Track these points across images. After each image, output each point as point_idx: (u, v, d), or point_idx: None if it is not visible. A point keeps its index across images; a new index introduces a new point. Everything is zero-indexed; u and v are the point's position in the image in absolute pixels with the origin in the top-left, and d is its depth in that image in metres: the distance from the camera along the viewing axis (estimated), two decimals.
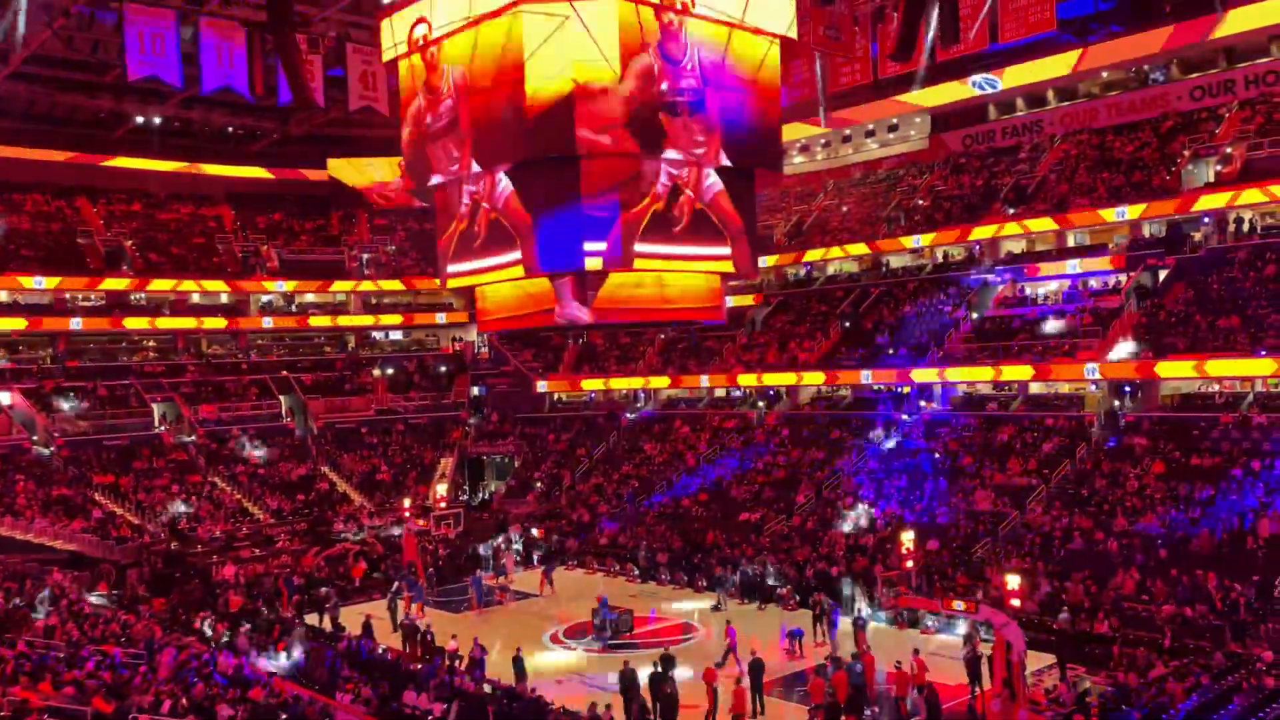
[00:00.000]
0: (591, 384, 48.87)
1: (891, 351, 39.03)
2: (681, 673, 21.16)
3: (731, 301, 45.75)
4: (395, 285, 52.45)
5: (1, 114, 42.07)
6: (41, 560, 31.86)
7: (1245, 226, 34.34)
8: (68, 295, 45.42)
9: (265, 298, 50.25)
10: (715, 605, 29.47)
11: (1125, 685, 18.65)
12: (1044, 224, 38.71)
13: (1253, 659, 19.64)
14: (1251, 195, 33.42)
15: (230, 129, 47.29)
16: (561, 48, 14.06)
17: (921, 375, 37.43)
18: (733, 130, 15.63)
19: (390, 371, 50.92)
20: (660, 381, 46.50)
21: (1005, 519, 29.95)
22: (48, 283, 44.01)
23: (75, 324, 44.69)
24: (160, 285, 46.90)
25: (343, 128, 46.19)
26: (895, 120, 48.07)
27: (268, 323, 49.64)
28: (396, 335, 54.13)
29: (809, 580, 29.11)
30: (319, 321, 51.52)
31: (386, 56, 17.96)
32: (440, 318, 52.82)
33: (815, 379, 41.50)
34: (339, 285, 51.51)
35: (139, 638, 22.64)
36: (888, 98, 42.16)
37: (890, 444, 36.68)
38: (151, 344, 47.81)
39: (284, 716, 17.51)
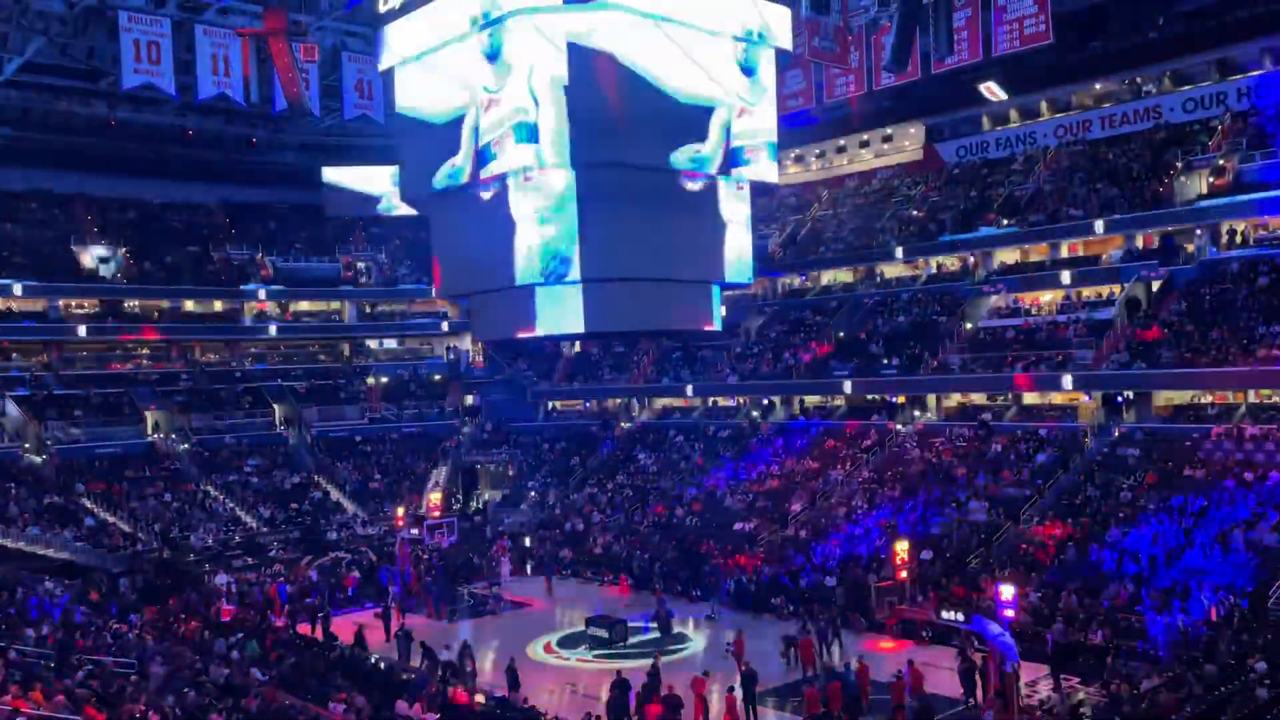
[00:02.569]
0: (586, 393, 48.80)
1: (885, 361, 39.08)
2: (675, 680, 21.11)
3: (725, 311, 45.72)
4: (390, 294, 52.43)
5: None
6: (33, 569, 31.71)
7: (1238, 239, 34.47)
8: (61, 304, 45.30)
9: (259, 307, 50.11)
10: (709, 614, 29.44)
11: (1118, 696, 18.64)
12: (1036, 235, 38.85)
13: (1246, 670, 19.63)
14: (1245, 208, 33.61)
15: (225, 137, 47.24)
16: None
17: (913, 387, 37.55)
18: None
19: (384, 380, 50.88)
20: (654, 391, 46.48)
21: (999, 529, 29.96)
22: (41, 291, 43.95)
23: (68, 332, 44.59)
24: (154, 294, 46.79)
25: (338, 136, 46.21)
26: (889, 130, 48.21)
27: (262, 331, 49.61)
28: (391, 344, 54.08)
29: (803, 590, 29.13)
30: (313, 330, 51.44)
31: (383, 66, 18.02)
32: (435, 327, 52.83)
33: (809, 389, 41.57)
34: (333, 294, 51.47)
35: (130, 647, 22.53)
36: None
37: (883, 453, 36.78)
38: (145, 352, 47.71)
39: None
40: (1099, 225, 36.74)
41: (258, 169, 51.40)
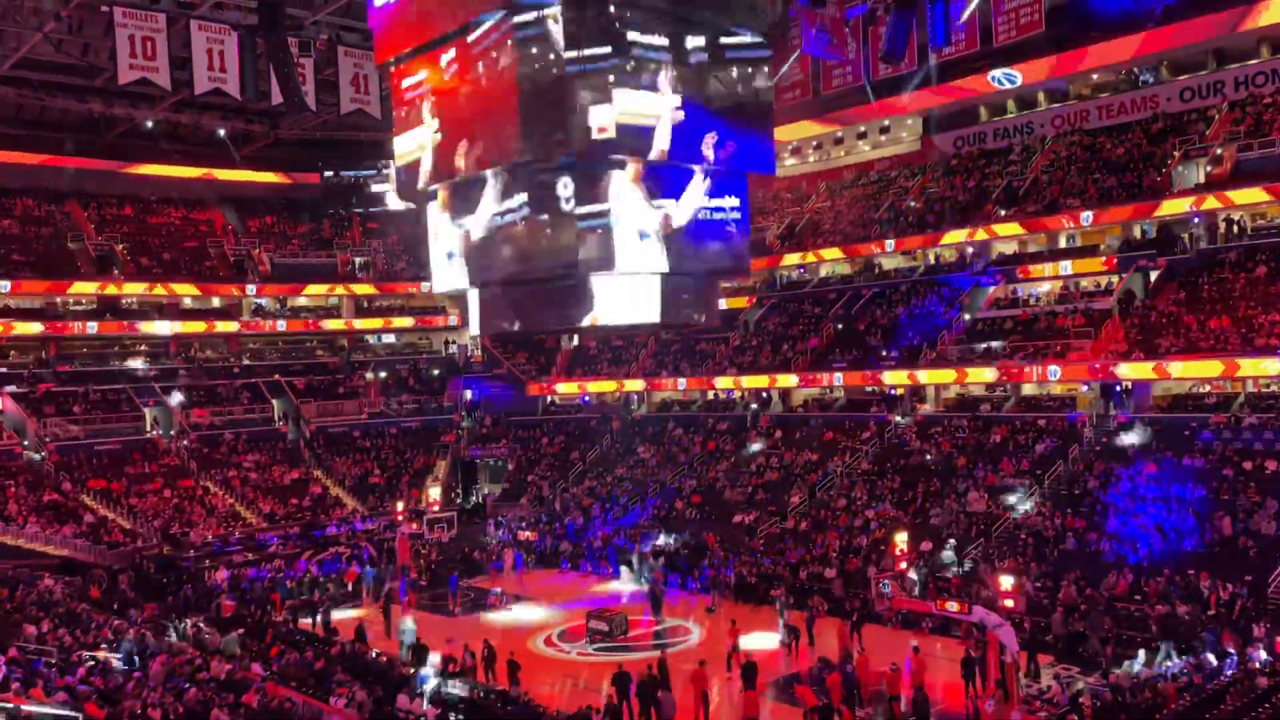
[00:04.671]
0: (585, 386, 48.83)
1: (884, 353, 39.07)
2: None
3: (724, 304, 45.82)
4: (388, 289, 52.44)
5: None
6: (32, 566, 31.70)
7: (1235, 228, 34.45)
8: (59, 299, 45.26)
9: (257, 301, 50.14)
10: (710, 607, 29.47)
11: (1118, 686, 18.68)
12: (1035, 225, 38.81)
13: (1245, 659, 19.68)
14: (1241, 196, 33.55)
15: (221, 132, 47.14)
16: None
17: (908, 378, 37.56)
18: None
19: (383, 375, 50.87)
20: (653, 384, 46.49)
21: (998, 520, 30.00)
22: (39, 287, 43.90)
23: (66, 328, 44.51)
24: (152, 289, 46.81)
25: (334, 131, 46.10)
26: (886, 122, 48.14)
27: (259, 327, 49.56)
28: (389, 338, 54.08)
29: (802, 582, 29.17)
30: (311, 325, 51.44)
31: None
32: (434, 321, 52.81)
33: (807, 381, 41.56)
34: (331, 289, 51.46)
35: (131, 643, 22.52)
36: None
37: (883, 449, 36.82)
38: (143, 348, 47.68)
39: None
40: (1095, 215, 36.71)
41: (254, 164, 51.32)
